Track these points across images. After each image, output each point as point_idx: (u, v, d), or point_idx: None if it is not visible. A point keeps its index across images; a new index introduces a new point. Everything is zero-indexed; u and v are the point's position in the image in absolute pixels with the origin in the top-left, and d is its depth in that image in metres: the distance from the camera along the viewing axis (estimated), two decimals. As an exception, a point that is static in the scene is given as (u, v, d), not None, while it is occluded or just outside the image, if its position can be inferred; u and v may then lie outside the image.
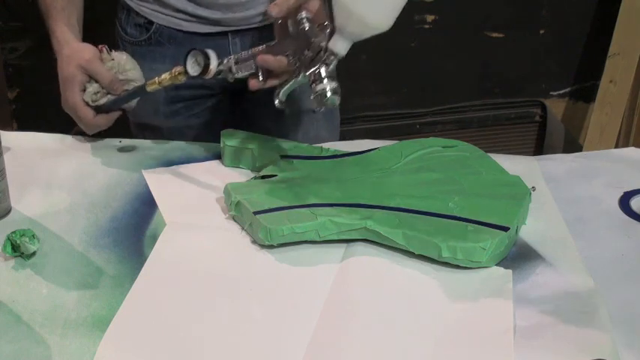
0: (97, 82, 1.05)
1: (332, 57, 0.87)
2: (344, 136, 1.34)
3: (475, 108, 2.22)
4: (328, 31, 0.88)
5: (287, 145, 1.06)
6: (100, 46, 1.07)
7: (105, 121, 1.08)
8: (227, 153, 1.06)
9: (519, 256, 0.87)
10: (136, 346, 0.74)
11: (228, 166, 1.07)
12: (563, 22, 2.17)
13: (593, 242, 0.90)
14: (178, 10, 1.17)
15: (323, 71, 0.87)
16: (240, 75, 0.96)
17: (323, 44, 0.88)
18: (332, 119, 1.32)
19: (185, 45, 1.19)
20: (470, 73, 2.19)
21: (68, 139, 1.14)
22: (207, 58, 0.93)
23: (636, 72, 2.14)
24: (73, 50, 1.06)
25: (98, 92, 1.06)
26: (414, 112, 2.19)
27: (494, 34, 2.16)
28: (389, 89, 2.15)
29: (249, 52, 0.96)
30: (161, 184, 1.02)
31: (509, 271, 0.84)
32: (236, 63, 0.95)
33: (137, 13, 1.20)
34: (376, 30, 0.86)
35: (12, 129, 1.90)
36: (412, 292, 0.81)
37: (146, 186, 1.02)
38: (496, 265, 0.85)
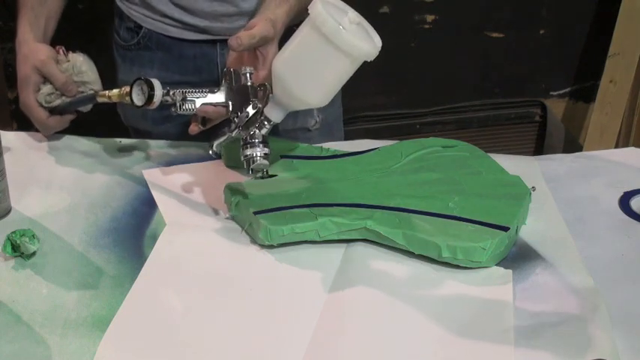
0: (51, 83, 1.05)
1: (267, 123, 0.89)
2: (344, 136, 1.34)
3: (475, 108, 2.22)
4: (266, 93, 0.89)
5: (287, 145, 1.06)
6: (57, 47, 1.07)
7: (58, 123, 1.08)
8: (227, 153, 1.06)
9: (519, 256, 0.87)
10: (135, 346, 0.74)
11: (228, 166, 1.06)
12: (563, 22, 2.17)
13: (593, 242, 0.90)
14: (165, 16, 1.16)
15: (257, 135, 0.89)
16: (181, 112, 0.94)
17: (260, 106, 0.89)
18: (331, 135, 1.28)
19: (173, 51, 1.19)
20: (470, 73, 2.19)
21: (68, 139, 1.13)
22: (151, 88, 0.91)
23: (636, 72, 2.14)
24: (29, 50, 1.05)
25: (52, 93, 1.06)
26: (414, 112, 2.19)
27: (495, 34, 2.16)
28: (389, 89, 2.15)
29: (193, 92, 0.94)
30: (161, 184, 1.02)
31: (509, 271, 0.84)
32: (183, 99, 0.93)
33: (128, 17, 1.20)
34: (310, 105, 0.88)
35: (12, 129, 1.89)
36: (412, 292, 0.81)
37: (146, 186, 1.02)
38: (496, 265, 0.85)
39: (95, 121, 1.15)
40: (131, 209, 0.97)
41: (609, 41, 2.13)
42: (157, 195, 0.99)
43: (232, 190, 0.94)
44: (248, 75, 0.93)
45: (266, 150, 0.89)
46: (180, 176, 1.04)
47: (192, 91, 0.94)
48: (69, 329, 0.76)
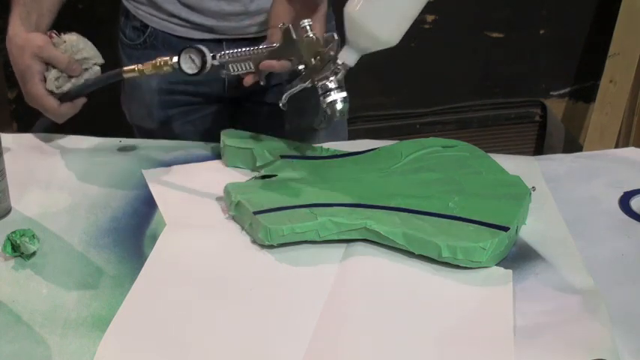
0: (54, 67, 1.03)
1: (341, 68, 0.90)
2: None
3: (475, 108, 2.22)
4: (336, 42, 0.91)
5: (287, 145, 1.06)
6: (48, 32, 1.04)
7: (70, 109, 1.05)
8: (227, 153, 1.06)
9: (519, 256, 0.87)
10: (135, 346, 0.74)
11: (228, 166, 1.06)
12: (563, 22, 2.17)
13: (593, 242, 0.90)
14: (172, 15, 1.16)
15: (333, 82, 0.90)
16: (236, 72, 0.96)
17: (332, 54, 0.91)
18: (336, 134, 1.27)
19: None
20: (470, 73, 2.19)
21: (68, 139, 1.14)
22: (203, 55, 0.94)
23: (636, 72, 2.14)
24: (23, 40, 1.03)
25: (59, 77, 1.03)
26: (414, 112, 2.19)
27: (495, 34, 2.16)
28: (389, 89, 2.15)
29: (247, 52, 0.96)
30: (161, 184, 1.02)
31: (509, 271, 0.84)
32: (231, 61, 0.95)
33: (134, 16, 1.20)
34: (386, 44, 0.90)
35: (12, 129, 1.90)
36: (412, 292, 0.81)
37: (146, 186, 1.02)
38: (496, 265, 0.85)
39: (97, 121, 1.15)
40: (131, 209, 0.97)
41: (609, 41, 2.13)
42: (157, 195, 0.99)
43: (232, 190, 0.94)
44: (308, 27, 0.94)
45: (344, 94, 0.91)
46: (180, 176, 1.04)
47: (244, 51, 0.96)
48: (69, 329, 0.76)
